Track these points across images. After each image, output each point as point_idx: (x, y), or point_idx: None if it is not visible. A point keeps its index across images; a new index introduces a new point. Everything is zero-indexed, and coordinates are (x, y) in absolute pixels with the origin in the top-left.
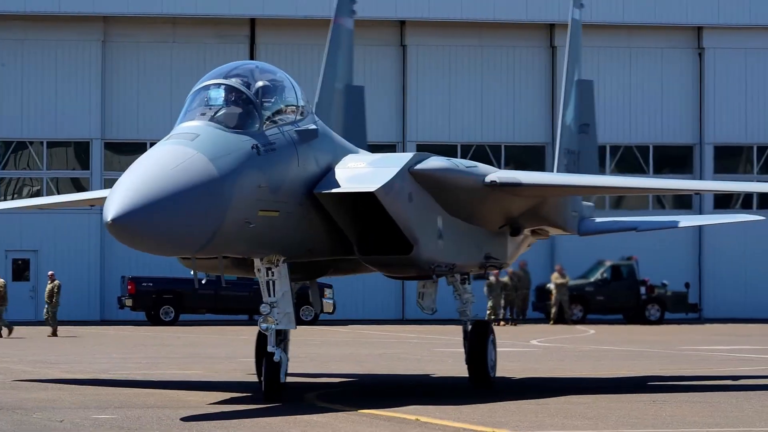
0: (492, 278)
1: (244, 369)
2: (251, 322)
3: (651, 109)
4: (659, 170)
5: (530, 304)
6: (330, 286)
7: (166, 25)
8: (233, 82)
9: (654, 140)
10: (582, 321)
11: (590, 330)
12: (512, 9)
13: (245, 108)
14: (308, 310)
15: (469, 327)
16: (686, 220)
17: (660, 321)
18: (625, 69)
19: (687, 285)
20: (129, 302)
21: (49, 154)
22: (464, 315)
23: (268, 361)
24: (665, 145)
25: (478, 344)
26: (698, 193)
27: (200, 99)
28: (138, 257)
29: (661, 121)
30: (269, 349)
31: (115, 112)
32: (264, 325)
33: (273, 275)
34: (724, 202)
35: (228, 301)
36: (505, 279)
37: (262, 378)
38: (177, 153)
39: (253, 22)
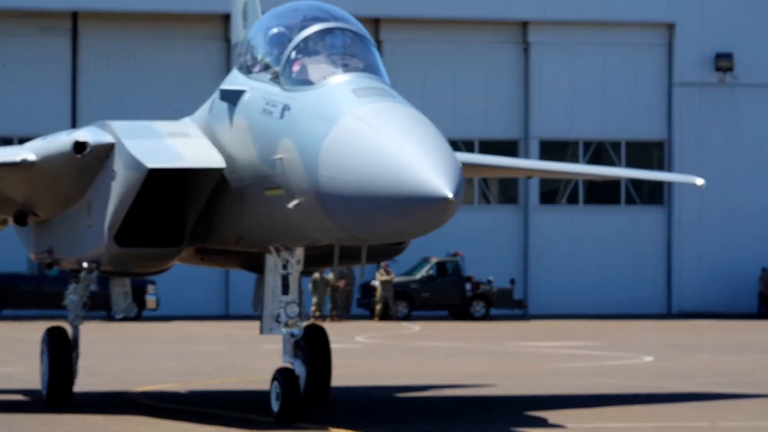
0: (317, 275)
1: None
2: None
3: (477, 104)
4: None
5: (355, 301)
6: (153, 283)
7: None
8: (355, 27)
9: (480, 135)
10: (407, 317)
11: (415, 326)
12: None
13: (378, 57)
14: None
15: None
16: None
17: (485, 317)
18: (451, 64)
19: (512, 281)
20: None
21: None
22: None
23: (286, 376)
24: (491, 140)
25: (323, 350)
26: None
27: (323, 45)
28: None
29: (486, 116)
30: (288, 360)
31: None
32: (296, 331)
33: (299, 266)
34: (550, 197)
35: (51, 297)
36: (330, 276)
37: (277, 397)
38: (415, 115)
39: (75, 15)
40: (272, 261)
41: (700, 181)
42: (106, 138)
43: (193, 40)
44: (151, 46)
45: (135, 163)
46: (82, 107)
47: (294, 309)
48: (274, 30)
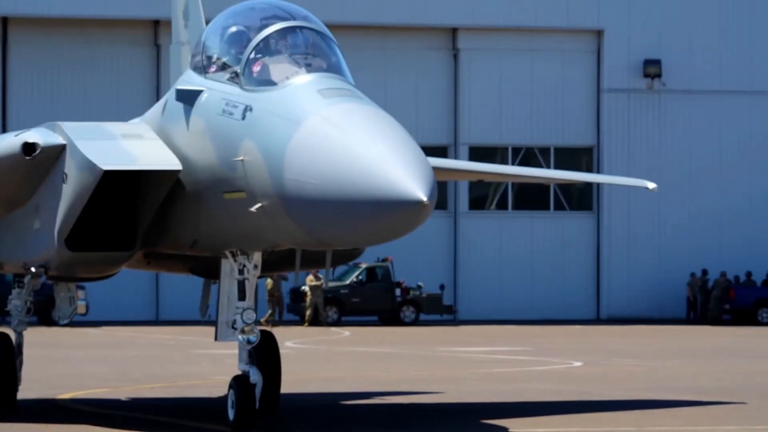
0: None
1: None
2: (1, 324)
3: (406, 110)
4: None
5: (285, 306)
6: (83, 288)
7: None
8: (316, 26)
9: None
10: (337, 323)
11: (345, 332)
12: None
13: (341, 57)
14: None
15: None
16: None
17: (415, 323)
18: (380, 70)
19: (442, 287)
20: None
21: None
22: None
23: (242, 384)
24: (421, 147)
25: (273, 357)
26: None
27: (285, 44)
28: None
29: (416, 121)
30: (243, 368)
31: None
32: (253, 337)
33: (257, 271)
34: (479, 203)
35: None
36: (269, 281)
37: (233, 405)
38: (383, 116)
39: (5, 20)
40: (228, 266)
41: (651, 185)
42: (56, 139)
43: (122, 46)
44: (81, 51)
45: (88, 165)
46: (12, 112)
47: (251, 315)
48: (232, 29)
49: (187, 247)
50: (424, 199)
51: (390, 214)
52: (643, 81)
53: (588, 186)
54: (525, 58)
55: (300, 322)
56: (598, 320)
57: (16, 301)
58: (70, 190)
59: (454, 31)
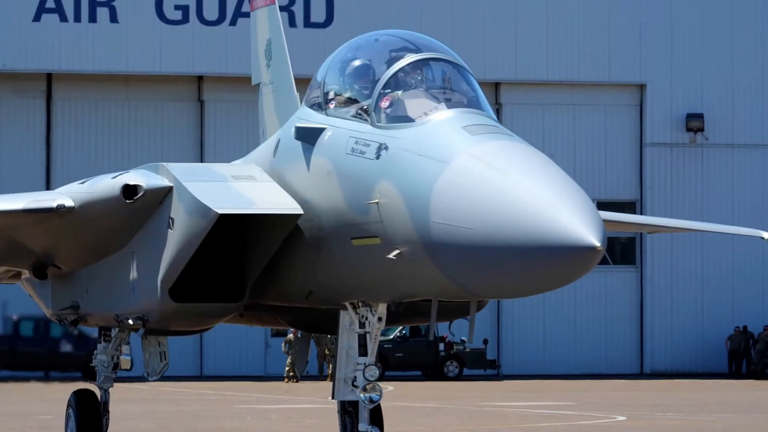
0: (290, 335)
1: (42, 426)
2: (47, 379)
3: None
4: None
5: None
6: (128, 342)
7: None
8: (452, 57)
9: None
10: (381, 378)
11: (389, 386)
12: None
13: (480, 91)
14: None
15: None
16: None
17: (459, 377)
18: None
19: (485, 342)
20: None
21: None
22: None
23: None
24: None
25: (376, 415)
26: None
27: (420, 78)
28: None
29: None
30: (365, 428)
31: None
32: (375, 396)
33: (381, 324)
34: None
35: (25, 358)
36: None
37: None
38: (540, 155)
39: (49, 77)
40: (347, 318)
41: (766, 235)
42: (161, 181)
43: (165, 101)
44: (124, 107)
45: (201, 209)
46: (56, 167)
47: (374, 372)
48: (357, 62)
49: (302, 298)
50: (598, 244)
51: (560, 260)
52: (686, 135)
53: (631, 240)
54: (567, 113)
55: None
56: (641, 374)
57: (102, 357)
58: (177, 236)
59: (496, 86)
